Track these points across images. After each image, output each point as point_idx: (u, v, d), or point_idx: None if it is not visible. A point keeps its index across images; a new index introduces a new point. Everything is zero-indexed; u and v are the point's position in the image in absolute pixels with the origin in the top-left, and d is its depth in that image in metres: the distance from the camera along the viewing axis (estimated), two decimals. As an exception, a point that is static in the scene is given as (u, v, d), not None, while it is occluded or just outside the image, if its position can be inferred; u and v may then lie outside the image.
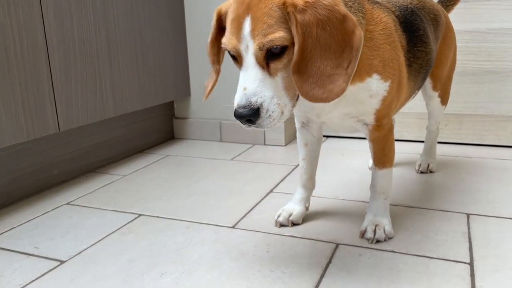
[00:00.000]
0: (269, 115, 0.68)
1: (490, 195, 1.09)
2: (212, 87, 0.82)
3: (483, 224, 0.94)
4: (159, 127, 1.76)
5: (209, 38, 0.77)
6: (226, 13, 0.72)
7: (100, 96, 1.34)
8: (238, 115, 0.67)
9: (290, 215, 0.96)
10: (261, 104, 0.67)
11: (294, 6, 0.65)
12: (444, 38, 1.08)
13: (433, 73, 1.09)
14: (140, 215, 1.06)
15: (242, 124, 0.70)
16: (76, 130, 1.37)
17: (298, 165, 1.40)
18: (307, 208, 0.99)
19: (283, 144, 1.65)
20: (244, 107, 0.67)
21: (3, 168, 1.15)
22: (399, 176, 1.26)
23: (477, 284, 0.73)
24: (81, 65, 1.27)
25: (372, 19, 0.78)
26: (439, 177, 1.24)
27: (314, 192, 1.15)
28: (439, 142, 1.55)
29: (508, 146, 1.49)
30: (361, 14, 0.75)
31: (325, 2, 0.66)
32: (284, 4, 0.66)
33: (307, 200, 0.99)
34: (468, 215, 0.99)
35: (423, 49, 0.90)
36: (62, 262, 0.85)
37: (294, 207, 0.97)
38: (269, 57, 0.67)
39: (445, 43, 1.08)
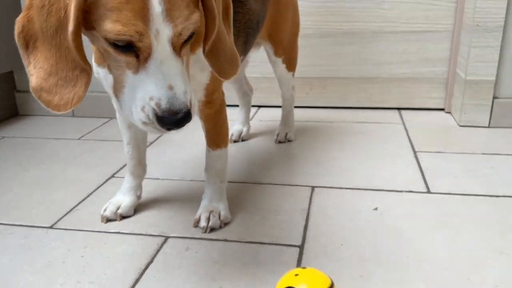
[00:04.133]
0: (194, 111, 0.54)
1: (340, 163, 1.08)
2: (82, 97, 0.55)
3: (325, 197, 0.91)
4: (-3, 103, 1.50)
5: (71, 25, 0.50)
6: None
7: None
8: (175, 122, 0.52)
9: (118, 207, 0.84)
10: (189, 102, 0.53)
11: None
12: None
13: (272, 37, 1.01)
14: None
15: (159, 130, 0.54)
16: None
17: (154, 140, 1.28)
18: (139, 197, 0.88)
19: (146, 116, 1.50)
20: (178, 111, 0.52)
21: None
22: (255, 148, 1.20)
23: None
24: None
25: None
26: (296, 147, 1.20)
27: (160, 174, 1.04)
28: (305, 107, 1.53)
29: (367, 108, 1.51)
30: None
31: None
32: None
33: (138, 188, 0.87)
34: (313, 188, 0.96)
35: (239, 10, 0.80)
36: None
37: (122, 198, 0.86)
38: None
39: (280, 4, 1.00)
